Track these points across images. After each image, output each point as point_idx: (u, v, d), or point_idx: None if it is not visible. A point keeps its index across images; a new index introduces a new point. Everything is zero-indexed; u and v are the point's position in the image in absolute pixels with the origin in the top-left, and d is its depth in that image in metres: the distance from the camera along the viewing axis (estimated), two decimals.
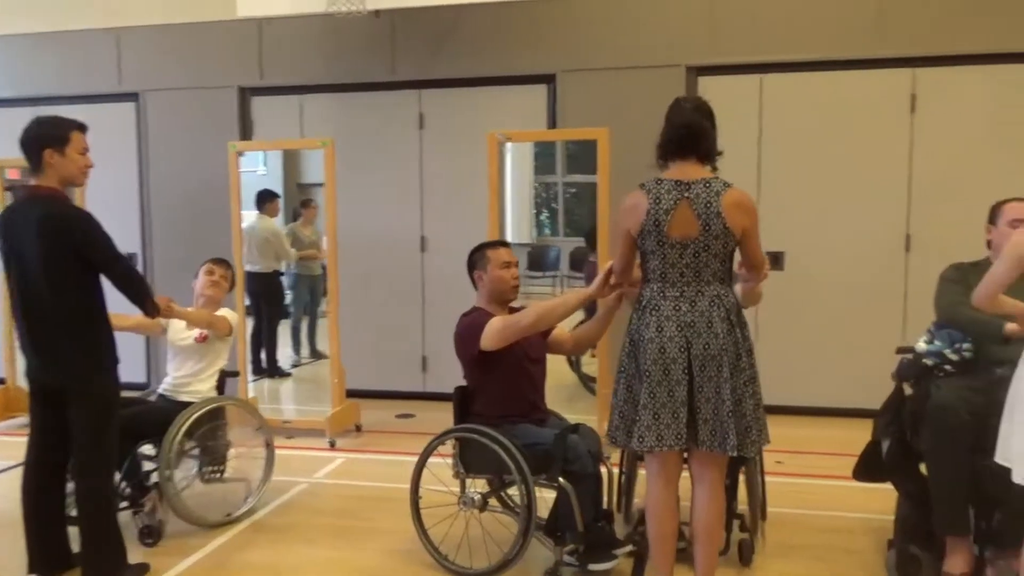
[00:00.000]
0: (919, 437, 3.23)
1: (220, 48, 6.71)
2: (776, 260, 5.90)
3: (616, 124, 5.54)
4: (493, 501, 3.49)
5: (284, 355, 7.38)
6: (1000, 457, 2.60)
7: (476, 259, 3.52)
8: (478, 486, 3.48)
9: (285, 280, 7.36)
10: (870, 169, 5.73)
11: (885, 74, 5.72)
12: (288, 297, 7.47)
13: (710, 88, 5.93)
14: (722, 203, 2.75)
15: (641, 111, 5.79)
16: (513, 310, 3.52)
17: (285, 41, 6.61)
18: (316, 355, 7.54)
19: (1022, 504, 2.89)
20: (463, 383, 3.54)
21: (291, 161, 8.19)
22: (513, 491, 3.40)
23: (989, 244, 3.52)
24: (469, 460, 3.39)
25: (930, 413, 3.05)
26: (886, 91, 5.72)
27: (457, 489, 3.45)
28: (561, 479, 3.18)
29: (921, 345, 3.23)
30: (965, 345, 3.20)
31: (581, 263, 7.08)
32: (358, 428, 5.77)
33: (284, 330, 7.40)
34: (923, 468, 3.29)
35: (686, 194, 2.76)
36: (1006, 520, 2.94)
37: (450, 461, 3.46)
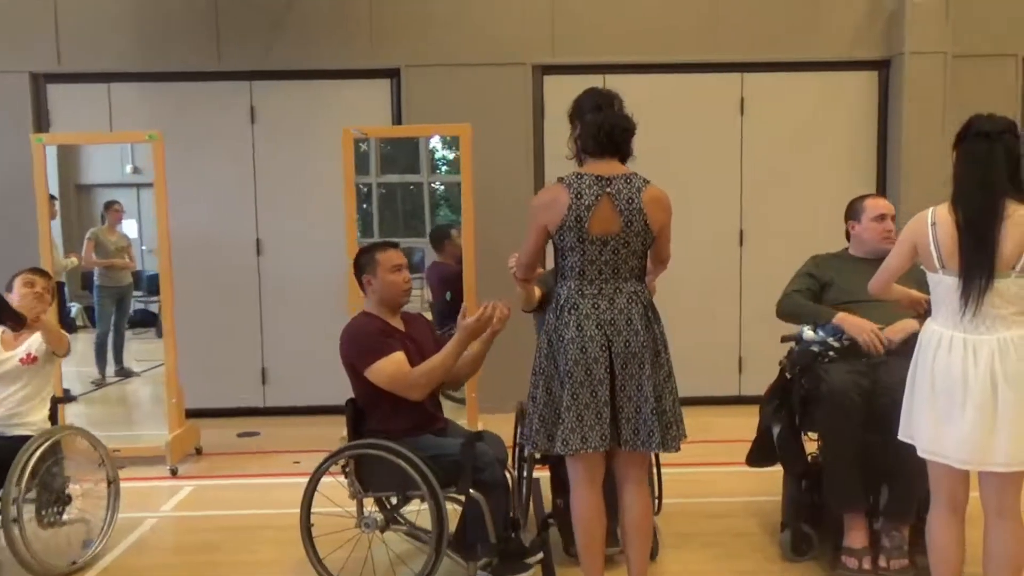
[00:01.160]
0: (808, 420, 3.39)
1: (8, 29, 5.86)
2: None
3: (464, 121, 5.43)
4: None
5: (83, 374, 6.54)
6: (903, 434, 2.76)
7: (364, 262, 3.28)
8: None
9: (94, 292, 6.55)
10: (706, 168, 6.02)
11: (717, 78, 6.03)
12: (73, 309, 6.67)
13: (555, 87, 5.99)
14: (643, 199, 2.73)
15: (489, 108, 5.77)
16: (406, 315, 3.32)
17: (87, 22, 5.89)
18: (124, 373, 6.78)
19: (912, 477, 3.12)
20: (346, 395, 3.28)
21: (69, 160, 7.22)
22: (406, 509, 3.21)
23: (848, 237, 3.76)
24: (368, 478, 3.14)
25: (824, 397, 3.20)
26: (718, 94, 6.04)
27: (349, 510, 3.19)
28: (472, 490, 3.01)
29: (808, 333, 3.38)
30: (845, 335, 3.38)
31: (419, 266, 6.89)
32: (198, 451, 5.24)
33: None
34: (808, 450, 3.49)
35: (607, 189, 2.71)
36: (895, 493, 3.14)
37: (341, 480, 3.19)
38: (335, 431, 5.63)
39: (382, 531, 3.17)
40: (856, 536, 3.11)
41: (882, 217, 3.62)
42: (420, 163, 7.96)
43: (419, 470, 2.97)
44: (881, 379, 3.25)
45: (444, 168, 7.90)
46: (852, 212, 3.74)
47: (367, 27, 5.91)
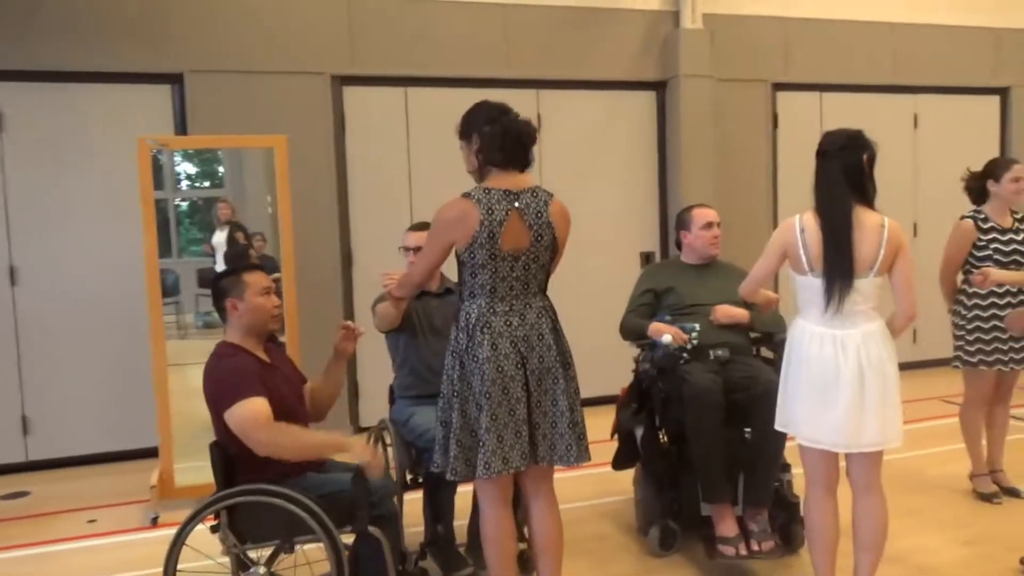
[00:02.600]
0: (669, 421, 3.55)
1: None
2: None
3: (259, 132, 5.15)
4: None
5: None
6: (779, 425, 2.98)
7: (228, 285, 2.92)
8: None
9: None
10: None
11: (515, 94, 6.15)
12: None
13: (356, 99, 5.80)
14: (550, 212, 2.71)
15: (285, 119, 5.46)
16: (272, 341, 3.02)
17: None
18: None
19: (768, 466, 3.39)
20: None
21: None
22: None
23: (680, 246, 4.01)
24: (248, 528, 2.79)
25: (690, 396, 3.36)
26: (517, 109, 6.14)
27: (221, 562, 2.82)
28: (372, 527, 2.78)
29: (667, 338, 3.54)
30: (694, 334, 3.60)
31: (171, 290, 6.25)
32: None
33: None
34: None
35: (516, 204, 2.66)
36: (755, 481, 3.38)
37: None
38: (129, 480, 5.00)
39: None
40: (728, 525, 3.31)
41: (709, 225, 3.89)
42: (164, 178, 7.31)
43: (311, 511, 2.68)
44: (730, 377, 3.50)
45: (186, 183, 7.29)
46: (682, 222, 3.99)
47: (143, 27, 5.31)
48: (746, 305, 3.83)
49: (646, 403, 3.65)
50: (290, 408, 2.87)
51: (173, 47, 5.37)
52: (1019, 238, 4.04)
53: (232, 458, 2.84)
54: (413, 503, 3.51)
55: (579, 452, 2.69)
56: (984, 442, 4.19)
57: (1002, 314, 3.97)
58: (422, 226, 3.72)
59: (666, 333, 3.53)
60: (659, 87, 6.47)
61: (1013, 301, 3.99)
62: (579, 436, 2.72)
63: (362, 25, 5.73)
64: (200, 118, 5.40)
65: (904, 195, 7.16)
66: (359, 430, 5.88)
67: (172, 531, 2.73)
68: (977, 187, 4.09)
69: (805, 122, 6.88)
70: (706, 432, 3.35)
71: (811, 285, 2.84)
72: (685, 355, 3.57)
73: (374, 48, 5.77)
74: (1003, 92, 7.43)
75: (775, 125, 6.78)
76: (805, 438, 2.88)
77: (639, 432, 3.63)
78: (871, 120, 6.96)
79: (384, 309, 3.37)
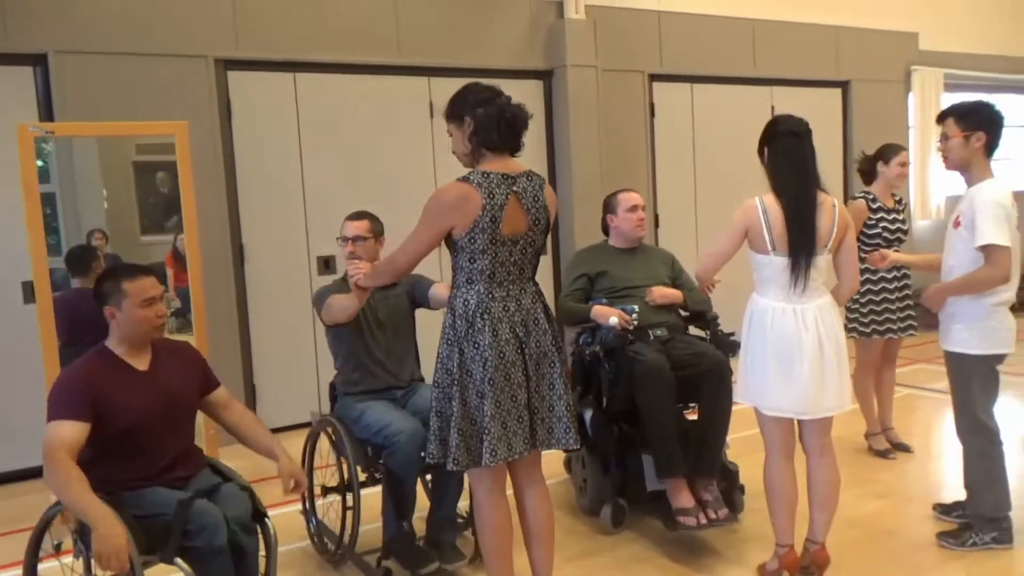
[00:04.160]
0: (617, 401, 3.63)
1: None
2: (327, 265, 5.80)
3: (134, 118, 4.79)
4: None
5: None
6: (740, 398, 3.13)
7: (107, 291, 2.72)
8: None
9: None
10: (400, 170, 6.01)
11: (406, 80, 6.06)
12: None
13: (242, 84, 5.49)
14: (545, 196, 2.69)
15: (165, 104, 5.10)
16: (165, 345, 2.88)
17: None
18: None
19: (716, 438, 3.56)
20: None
21: None
22: None
23: (606, 231, 4.11)
24: (83, 534, 2.56)
25: (643, 374, 3.46)
26: (408, 96, 6.07)
27: None
28: (179, 559, 2.53)
29: (614, 320, 3.62)
30: (635, 315, 3.70)
31: None
32: None
33: None
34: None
35: (514, 188, 2.62)
36: (705, 454, 3.53)
37: None
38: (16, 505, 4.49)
39: None
40: (684, 497, 3.43)
41: (634, 208, 4.01)
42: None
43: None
44: (672, 354, 3.63)
45: None
46: (609, 206, 4.09)
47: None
48: (674, 284, 4.00)
49: (592, 385, 3.72)
50: (148, 420, 2.70)
51: (34, 24, 4.84)
52: (901, 218, 4.45)
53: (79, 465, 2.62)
54: (369, 499, 3.40)
55: (575, 435, 2.71)
56: (875, 403, 4.59)
57: (891, 287, 4.37)
58: (361, 215, 3.60)
59: (612, 315, 3.61)
60: (546, 76, 6.56)
61: (899, 275, 4.40)
62: (572, 419, 2.73)
63: (247, 7, 5.42)
64: (69, 104, 4.91)
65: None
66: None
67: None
68: (869, 168, 4.46)
69: (678, 111, 7.24)
70: (659, 408, 3.46)
71: (773, 263, 2.99)
72: (629, 335, 3.66)
73: (260, 31, 5.47)
74: (844, 85, 8.11)
75: (652, 114, 7.05)
76: (769, 408, 3.04)
77: (588, 414, 3.69)
78: (735, 110, 7.52)
79: (343, 301, 3.23)
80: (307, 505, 3.70)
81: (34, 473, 4.46)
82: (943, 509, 3.66)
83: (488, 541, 2.71)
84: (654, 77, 7.05)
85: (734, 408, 3.53)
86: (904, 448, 4.56)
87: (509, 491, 2.78)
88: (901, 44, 8.37)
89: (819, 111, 7.85)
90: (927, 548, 3.42)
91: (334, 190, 5.77)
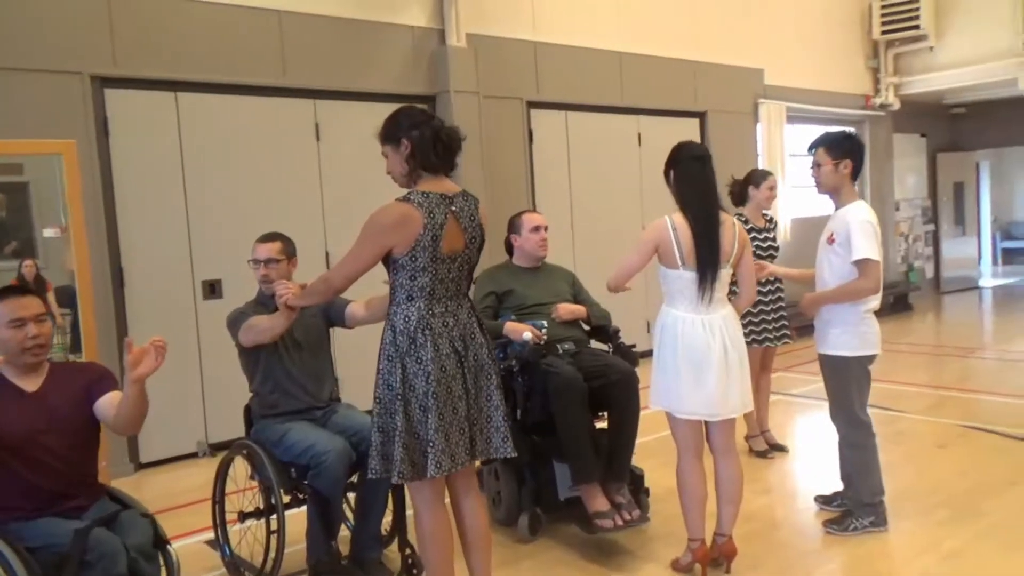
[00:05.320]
0: (532, 412, 3.77)
1: None
2: (213, 289, 5.63)
3: (6, 135, 4.56)
4: None
5: None
6: (655, 405, 3.34)
7: None
8: None
9: None
10: (287, 192, 5.94)
11: (292, 103, 6.01)
12: None
13: (120, 102, 5.27)
14: (480, 215, 2.80)
15: (36, 122, 4.86)
16: (63, 367, 2.82)
17: None
18: None
19: (627, 444, 3.76)
20: None
21: None
22: None
23: (510, 251, 4.26)
24: None
25: (559, 386, 3.61)
26: (294, 119, 6.02)
27: None
28: None
29: (527, 335, 3.76)
30: (544, 330, 3.86)
31: None
32: None
33: None
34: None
35: (452, 207, 2.71)
36: (618, 459, 3.72)
37: None
38: None
39: None
40: (599, 502, 3.60)
41: (537, 228, 4.19)
42: None
43: (7, 568, 2.45)
44: (582, 367, 3.82)
45: None
46: (513, 227, 4.25)
47: None
48: (576, 300, 4.20)
49: (505, 399, 3.83)
50: (33, 442, 2.63)
51: None
52: (771, 236, 4.88)
53: None
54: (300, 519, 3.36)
55: (512, 444, 2.82)
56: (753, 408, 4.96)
57: (765, 300, 4.77)
58: (273, 236, 3.58)
59: (525, 331, 3.76)
60: (429, 100, 6.67)
61: (772, 288, 4.81)
62: (508, 429, 2.84)
63: (124, 23, 5.22)
64: None
65: (633, 203, 8.11)
66: (140, 467, 5.33)
67: None
68: (740, 191, 4.85)
69: (554, 137, 7.54)
70: (574, 419, 3.62)
71: (682, 277, 3.23)
72: (540, 349, 3.82)
73: (138, 48, 5.29)
74: (701, 115, 8.72)
75: (531, 139, 7.32)
76: (683, 412, 3.27)
77: None
78: (605, 137, 7.93)
79: (267, 321, 3.20)
80: (218, 533, 3.60)
81: None
82: (824, 500, 4.03)
83: (431, 552, 2.76)
84: (531, 104, 7.32)
85: None
86: (780, 448, 4.96)
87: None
88: (749, 79, 9.10)
89: (679, 139, 8.35)
90: (813, 535, 3.76)
91: (219, 212, 5.63)
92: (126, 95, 5.29)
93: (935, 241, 12.30)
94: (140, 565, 2.56)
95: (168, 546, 2.73)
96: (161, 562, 2.68)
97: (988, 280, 13.59)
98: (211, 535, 3.93)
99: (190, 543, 3.97)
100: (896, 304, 10.19)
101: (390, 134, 2.77)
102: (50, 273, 4.96)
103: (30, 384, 2.72)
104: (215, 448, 5.59)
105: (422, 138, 2.71)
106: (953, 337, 9.25)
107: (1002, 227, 15.36)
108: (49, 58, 4.95)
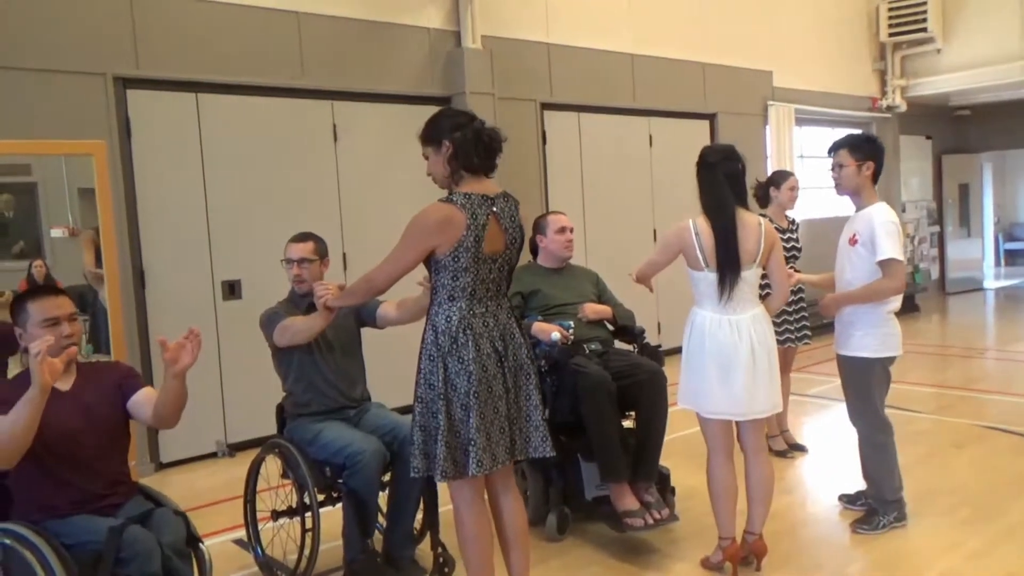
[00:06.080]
0: (561, 412, 3.80)
1: None
2: (232, 289, 5.65)
3: (31, 135, 4.58)
4: None
5: None
6: (683, 404, 3.38)
7: (16, 311, 2.76)
8: None
9: None
10: (305, 193, 5.97)
11: (309, 104, 6.03)
12: None
13: (141, 102, 5.30)
14: (520, 216, 2.83)
15: (59, 123, 4.87)
16: (90, 368, 2.83)
17: None
18: None
19: (656, 445, 3.79)
20: None
21: None
22: None
23: (535, 251, 4.29)
24: (15, 569, 2.54)
25: (588, 386, 3.64)
26: (312, 120, 6.04)
27: None
28: None
29: (556, 335, 3.79)
30: (571, 331, 3.90)
31: None
32: None
33: None
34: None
35: (493, 209, 2.74)
36: (645, 459, 3.75)
37: None
38: None
39: None
40: (629, 501, 3.63)
41: (563, 229, 4.22)
42: None
43: (46, 564, 2.46)
44: (610, 366, 3.85)
45: None
46: (538, 227, 4.28)
47: None
48: (600, 300, 4.23)
49: None
50: (71, 440, 2.67)
51: None
52: (794, 236, 4.92)
53: (6, 492, 2.70)
54: (333, 517, 3.39)
55: (551, 443, 2.85)
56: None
57: (787, 301, 4.80)
58: (306, 236, 3.61)
59: (553, 331, 3.79)
60: (445, 102, 6.69)
61: (793, 288, 4.84)
62: (547, 428, 2.87)
63: (146, 24, 5.25)
64: None
65: (644, 204, 8.15)
66: (160, 466, 5.36)
67: None
68: (763, 193, 4.89)
69: (567, 139, 7.58)
70: (604, 418, 3.65)
71: (707, 279, 3.27)
72: (570, 350, 3.85)
73: (160, 50, 5.31)
74: (712, 117, 8.76)
75: (544, 141, 7.35)
76: (710, 411, 3.31)
77: None
78: (617, 139, 7.96)
79: (305, 322, 3.24)
80: (251, 532, 3.63)
81: None
82: (848, 499, 4.06)
83: (470, 550, 2.79)
84: (545, 106, 7.35)
85: None
86: (800, 448, 4.99)
87: None
88: (758, 81, 9.14)
89: (690, 140, 8.42)
90: (839, 533, 3.80)
91: (238, 213, 5.66)
92: (148, 96, 5.32)
93: (940, 243, 12.36)
94: (174, 563, 2.59)
95: (201, 544, 2.77)
96: (194, 560, 2.72)
97: (991, 282, 13.65)
98: (237, 535, 3.99)
99: (216, 542, 3.99)
100: (903, 306, 10.16)
101: (431, 136, 2.79)
102: (58, 273, 4.98)
103: (63, 384, 2.73)
104: (234, 448, 5.62)
105: (464, 139, 2.73)
106: (960, 338, 9.30)
107: (1005, 229, 15.44)
108: (72, 59, 4.98)
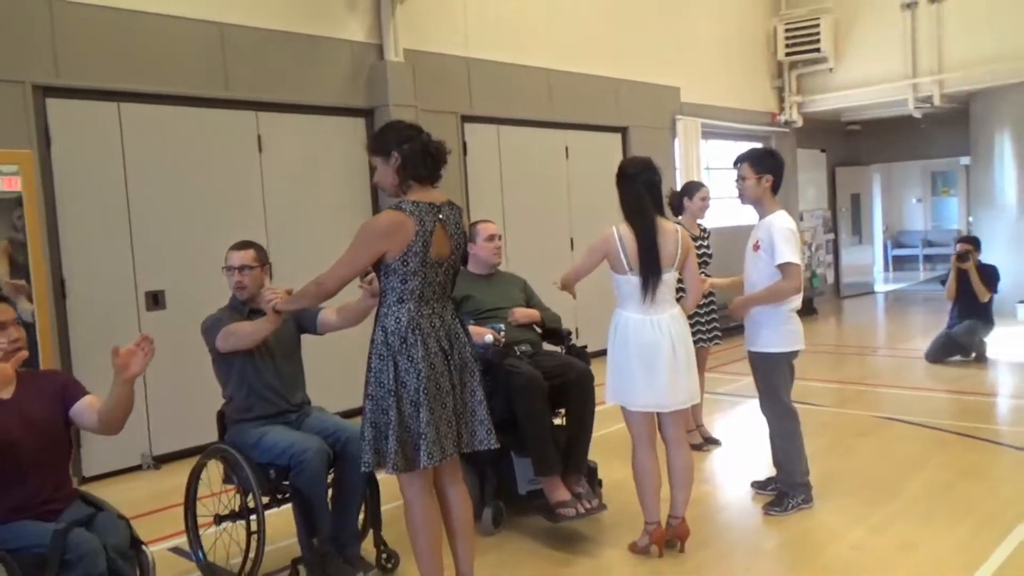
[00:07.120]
0: (494, 412, 3.93)
1: None
2: (156, 300, 5.62)
3: None
4: None
5: None
6: (611, 400, 3.60)
7: None
8: None
9: None
10: (230, 203, 5.98)
11: (234, 114, 6.05)
12: None
13: (61, 111, 5.23)
14: (464, 224, 3.00)
15: None
16: (33, 376, 2.89)
17: None
18: None
19: (584, 439, 4.01)
20: None
21: None
22: None
23: (464, 259, 4.45)
24: None
25: (522, 385, 3.83)
26: (236, 130, 6.06)
27: None
28: None
29: (489, 338, 3.97)
30: (502, 333, 4.09)
31: None
32: None
33: None
34: None
35: (439, 216, 2.90)
36: (575, 452, 3.97)
37: None
38: None
39: None
40: (561, 492, 3.82)
41: (491, 237, 4.42)
42: None
43: None
44: (541, 367, 4.06)
45: None
46: (468, 235, 4.44)
47: None
48: (528, 305, 4.43)
49: None
50: (13, 447, 2.70)
51: None
52: (705, 244, 5.24)
53: None
54: (276, 519, 3.47)
55: (495, 436, 3.02)
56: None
57: (699, 304, 5.11)
58: (246, 244, 3.69)
59: (486, 334, 3.97)
60: (368, 114, 6.81)
61: (704, 292, 5.16)
62: (491, 422, 3.04)
63: (66, 33, 5.19)
64: None
65: (560, 213, 8.42)
66: (83, 480, 5.26)
67: None
68: (677, 202, 5.19)
69: (487, 150, 7.79)
70: (537, 415, 3.85)
71: (630, 281, 3.52)
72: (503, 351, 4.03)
73: (81, 58, 5.26)
74: (623, 130, 9.13)
75: (465, 152, 7.53)
76: (636, 404, 3.55)
77: None
78: (535, 150, 8.22)
79: (250, 328, 3.32)
80: (191, 537, 3.67)
81: None
82: (759, 485, 4.38)
83: (420, 539, 2.93)
84: (465, 118, 7.54)
85: None
86: (714, 441, 5.31)
87: None
88: (667, 96, 9.58)
89: (604, 152, 8.78)
90: (754, 516, 4.11)
91: (163, 223, 5.63)
92: (68, 105, 5.26)
93: (835, 249, 13.12)
94: (118, 565, 2.67)
95: (144, 547, 2.85)
96: (136, 564, 2.78)
97: (881, 285, 14.55)
98: (171, 543, 4.01)
99: (156, 549, 3.99)
100: (802, 308, 10.78)
101: (380, 147, 2.94)
102: None
103: (4, 392, 2.77)
104: (159, 460, 5.57)
105: (412, 151, 2.89)
106: (856, 337, 9.94)
107: (892, 236, 16.48)
108: None
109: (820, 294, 11.98)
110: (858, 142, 13.67)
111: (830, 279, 12.91)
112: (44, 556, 2.56)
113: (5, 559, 2.53)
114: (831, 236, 12.97)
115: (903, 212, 16.74)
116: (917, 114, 11.11)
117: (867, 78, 10.87)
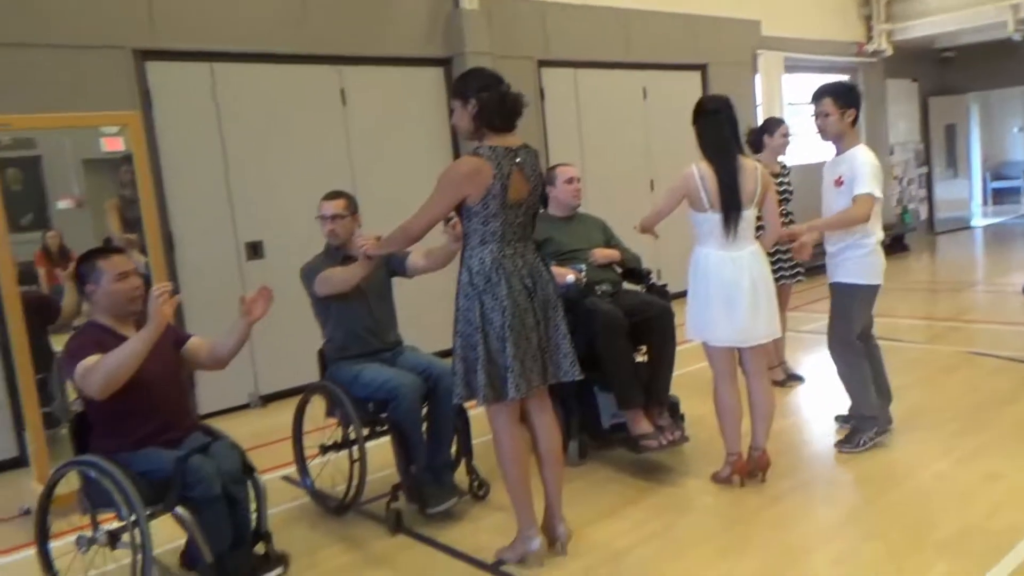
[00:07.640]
0: (576, 349, 4.08)
1: None
2: (255, 250, 5.93)
3: (54, 110, 4.70)
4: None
5: None
6: (691, 335, 3.70)
7: (85, 271, 3.07)
8: None
9: None
10: (318, 156, 6.21)
11: (317, 69, 6.25)
12: None
13: (159, 73, 5.52)
14: (541, 166, 3.11)
15: (83, 96, 5.08)
16: (140, 320, 3.04)
17: None
18: None
19: (668, 372, 4.11)
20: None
21: None
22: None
23: (545, 202, 4.56)
24: (94, 495, 2.98)
25: (603, 323, 3.95)
26: (321, 85, 6.27)
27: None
28: (180, 508, 2.92)
29: (571, 278, 4.09)
30: (583, 273, 4.20)
31: None
32: None
33: None
34: None
35: (516, 160, 3.02)
36: (657, 386, 4.09)
37: None
38: None
39: (112, 547, 2.96)
40: (643, 424, 3.96)
41: (571, 180, 4.50)
42: None
43: (120, 487, 2.83)
44: (622, 305, 4.16)
45: None
46: (548, 179, 4.54)
47: None
48: (608, 245, 4.52)
49: None
50: (144, 381, 2.94)
51: None
52: (786, 181, 5.21)
53: (87, 426, 3.07)
54: (376, 450, 3.73)
55: (579, 368, 3.17)
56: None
57: (781, 242, 5.10)
58: (337, 194, 3.88)
59: (568, 275, 4.08)
60: (445, 63, 6.92)
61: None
62: (575, 355, 3.18)
63: None
64: None
65: (639, 155, 8.40)
66: (203, 417, 5.66)
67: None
68: (756, 140, 5.16)
69: (564, 95, 7.81)
70: (619, 351, 3.97)
71: (711, 219, 3.56)
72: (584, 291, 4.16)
73: (175, 22, 5.53)
74: (703, 68, 8.98)
75: (542, 97, 7.58)
76: (717, 339, 3.63)
77: None
78: (612, 93, 8.18)
79: (344, 273, 3.53)
80: (300, 466, 3.96)
81: None
82: (843, 419, 4.41)
83: (509, 468, 3.11)
84: (542, 63, 7.57)
85: None
86: (798, 378, 5.35)
87: None
88: (747, 31, 9.34)
89: (682, 91, 8.64)
90: (833, 450, 4.14)
91: (257, 177, 5.91)
92: (165, 67, 5.54)
93: (928, 183, 12.66)
94: (231, 488, 3.00)
95: (255, 473, 3.16)
96: (249, 487, 3.11)
97: (979, 220, 13.97)
98: (282, 473, 4.33)
99: (270, 478, 4.32)
100: (893, 245, 10.55)
101: (460, 91, 3.06)
102: (67, 242, 5.20)
103: (129, 333, 3.02)
104: (264, 399, 5.95)
105: (490, 100, 3.00)
106: (948, 273, 9.65)
107: (992, 168, 15.72)
108: (93, 34, 5.18)
109: (912, 230, 11.62)
110: (953, 70, 13.02)
111: (923, 215, 12.48)
112: (167, 480, 2.90)
113: (135, 480, 2.86)
114: (924, 170, 12.51)
115: (1003, 143, 15.92)
116: (1017, 36, 10.50)
117: (961, 1, 10.32)
